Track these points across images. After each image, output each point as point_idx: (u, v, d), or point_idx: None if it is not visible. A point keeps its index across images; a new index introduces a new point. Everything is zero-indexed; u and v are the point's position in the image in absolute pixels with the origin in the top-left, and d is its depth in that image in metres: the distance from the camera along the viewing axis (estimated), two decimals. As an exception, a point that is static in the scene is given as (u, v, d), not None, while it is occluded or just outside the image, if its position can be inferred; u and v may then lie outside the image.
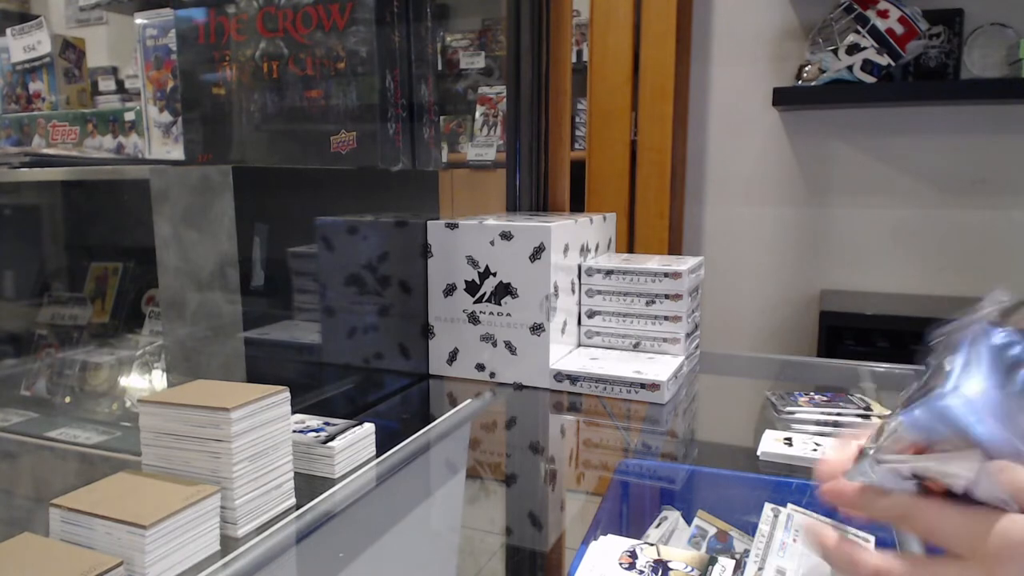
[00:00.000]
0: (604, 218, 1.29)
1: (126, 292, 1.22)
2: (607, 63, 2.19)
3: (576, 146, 2.48)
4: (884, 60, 1.87)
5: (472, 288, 1.09)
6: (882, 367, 1.17)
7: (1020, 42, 1.84)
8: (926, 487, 0.36)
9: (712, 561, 0.59)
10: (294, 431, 0.73)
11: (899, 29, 1.84)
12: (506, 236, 1.05)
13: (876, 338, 1.92)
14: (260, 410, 0.62)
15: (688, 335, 1.13)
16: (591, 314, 1.16)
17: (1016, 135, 1.95)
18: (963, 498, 0.35)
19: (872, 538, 0.64)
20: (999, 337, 0.33)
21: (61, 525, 0.55)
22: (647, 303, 1.11)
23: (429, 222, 1.11)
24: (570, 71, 1.41)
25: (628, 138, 2.20)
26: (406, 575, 0.68)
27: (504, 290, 1.06)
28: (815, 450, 0.81)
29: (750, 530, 0.74)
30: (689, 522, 0.78)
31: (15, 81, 1.44)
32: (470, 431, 0.96)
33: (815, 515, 0.68)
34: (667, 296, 1.10)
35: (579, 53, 2.51)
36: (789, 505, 0.70)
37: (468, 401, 1.02)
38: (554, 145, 1.42)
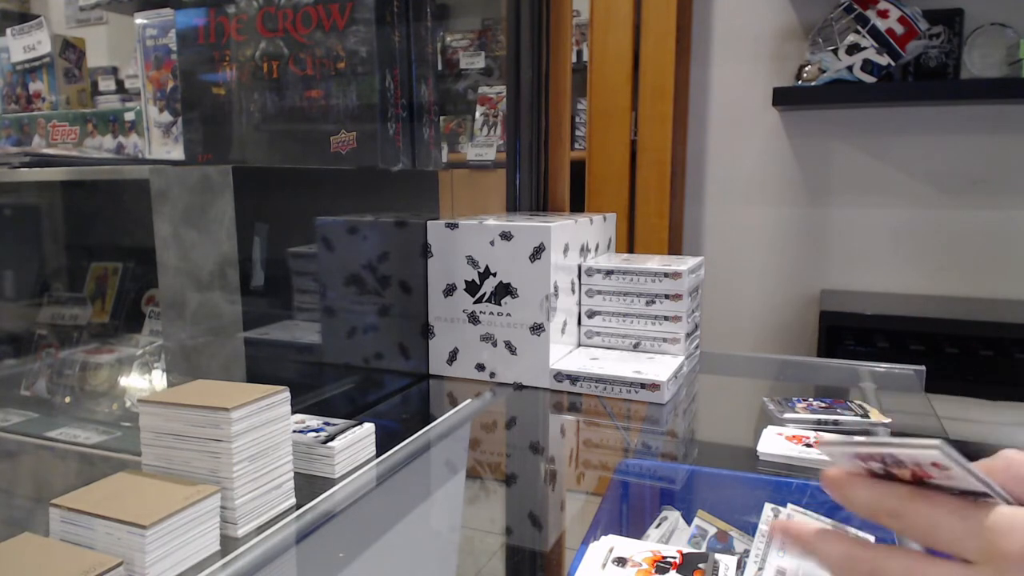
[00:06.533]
0: (604, 218, 1.29)
1: (126, 292, 1.22)
2: (607, 63, 2.19)
3: (576, 146, 2.48)
4: (884, 60, 1.87)
5: (472, 288, 1.09)
6: (882, 367, 1.17)
7: (1020, 42, 1.84)
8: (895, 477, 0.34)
9: (712, 561, 0.59)
10: (294, 431, 0.73)
11: (899, 29, 1.84)
12: (506, 236, 1.05)
13: (876, 338, 1.92)
14: (260, 410, 0.62)
15: (688, 335, 1.13)
16: (591, 314, 1.16)
17: (1016, 135, 1.95)
18: (942, 489, 0.33)
19: (872, 538, 0.64)
20: None
21: (61, 525, 0.55)
22: (647, 303, 1.11)
23: (429, 222, 1.11)
24: (570, 71, 1.41)
25: (628, 138, 2.20)
26: (406, 575, 0.68)
27: (504, 290, 1.06)
28: (811, 444, 0.81)
29: (750, 530, 0.74)
30: (689, 522, 0.78)
31: (15, 81, 1.44)
32: (470, 431, 0.96)
33: (815, 515, 0.68)
34: (667, 296, 1.10)
35: (579, 53, 2.51)
36: (789, 505, 0.70)
37: (468, 401, 1.02)
38: (554, 145, 1.42)
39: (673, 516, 0.79)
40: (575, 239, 1.13)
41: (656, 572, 0.58)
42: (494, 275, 1.07)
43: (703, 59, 2.25)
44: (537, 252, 1.04)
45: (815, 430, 0.88)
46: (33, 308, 1.26)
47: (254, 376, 0.83)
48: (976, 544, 0.31)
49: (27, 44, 1.40)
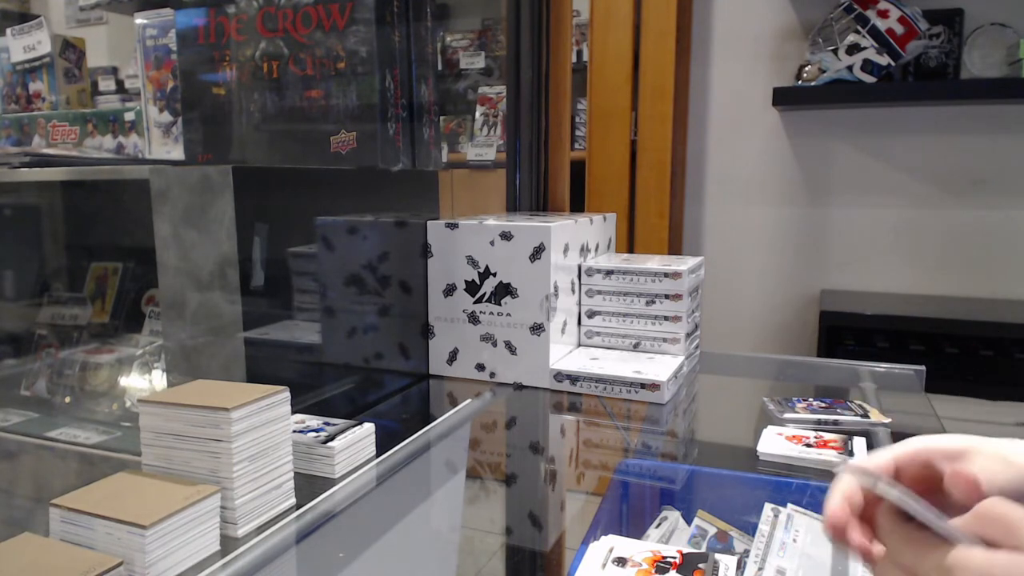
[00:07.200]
0: (604, 218, 1.29)
1: (126, 292, 1.22)
2: (607, 63, 2.19)
3: (576, 146, 2.48)
4: (884, 60, 1.87)
5: (472, 288, 1.09)
6: (882, 367, 1.17)
7: (1020, 42, 1.84)
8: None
9: (712, 561, 0.59)
10: (294, 431, 0.73)
11: (899, 29, 1.84)
12: (506, 236, 1.05)
13: (876, 338, 1.92)
14: (260, 410, 0.62)
15: (688, 335, 1.13)
16: (591, 314, 1.16)
17: (1016, 135, 1.95)
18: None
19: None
20: None
21: (61, 525, 0.55)
22: (647, 303, 1.11)
23: (429, 222, 1.11)
24: (570, 71, 1.41)
25: (628, 138, 2.20)
26: (406, 575, 0.68)
27: (504, 290, 1.06)
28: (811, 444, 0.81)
29: (750, 530, 0.74)
30: (689, 522, 0.78)
31: (15, 81, 1.44)
32: (470, 431, 0.96)
33: (815, 515, 0.68)
34: (667, 296, 1.10)
35: (579, 53, 2.51)
36: (789, 505, 0.70)
37: (468, 401, 1.02)
38: (554, 145, 1.42)
39: (673, 516, 0.79)
40: (575, 239, 1.13)
41: (656, 572, 0.58)
42: (494, 275, 1.07)
43: (703, 59, 2.25)
44: (537, 252, 1.04)
45: (815, 430, 0.88)
46: (33, 308, 1.26)
47: (254, 376, 0.83)
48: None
49: (27, 44, 1.40)
